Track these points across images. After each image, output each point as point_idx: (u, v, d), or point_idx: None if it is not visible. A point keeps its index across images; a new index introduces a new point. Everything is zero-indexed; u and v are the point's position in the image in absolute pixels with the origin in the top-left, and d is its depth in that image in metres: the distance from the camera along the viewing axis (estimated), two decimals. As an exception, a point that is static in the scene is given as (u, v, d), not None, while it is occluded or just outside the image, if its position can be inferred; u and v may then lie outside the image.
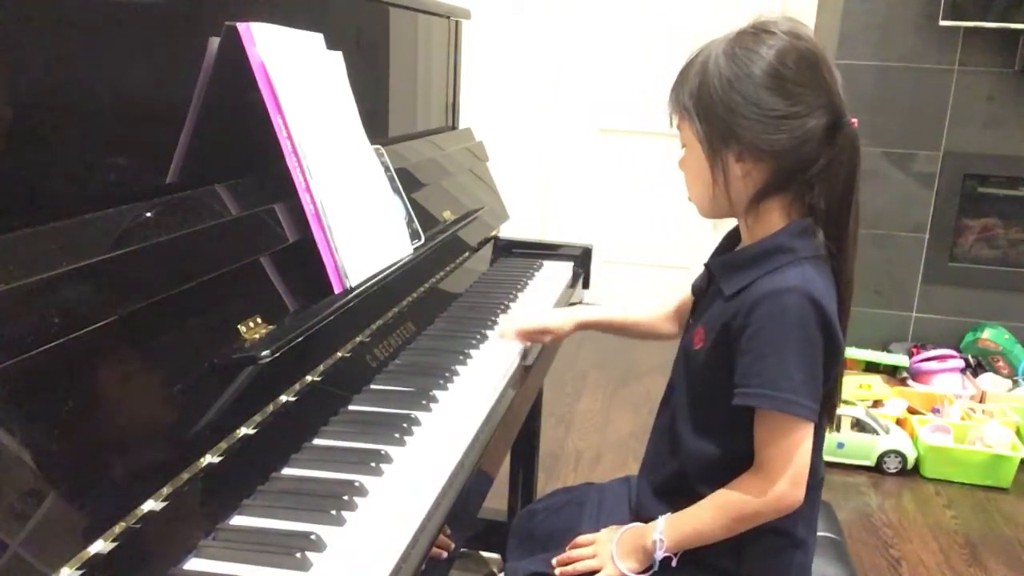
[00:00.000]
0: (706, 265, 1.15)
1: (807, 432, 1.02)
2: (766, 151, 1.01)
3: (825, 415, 1.08)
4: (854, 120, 1.03)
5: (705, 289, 1.16)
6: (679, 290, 1.32)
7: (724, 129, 1.01)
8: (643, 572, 1.10)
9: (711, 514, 1.05)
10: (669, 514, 1.09)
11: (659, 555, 1.07)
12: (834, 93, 1.02)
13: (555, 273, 1.84)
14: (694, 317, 1.16)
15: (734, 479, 1.05)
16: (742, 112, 1.00)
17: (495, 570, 1.98)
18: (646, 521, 1.13)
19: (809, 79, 1.00)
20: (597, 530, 1.17)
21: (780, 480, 1.01)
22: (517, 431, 1.47)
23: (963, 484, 2.56)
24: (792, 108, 0.99)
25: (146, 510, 0.76)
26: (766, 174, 1.03)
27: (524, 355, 1.36)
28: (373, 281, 1.21)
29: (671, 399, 1.17)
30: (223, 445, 0.88)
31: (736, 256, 1.10)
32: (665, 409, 1.19)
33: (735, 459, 1.06)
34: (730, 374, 1.03)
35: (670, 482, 1.14)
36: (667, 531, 1.07)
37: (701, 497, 1.07)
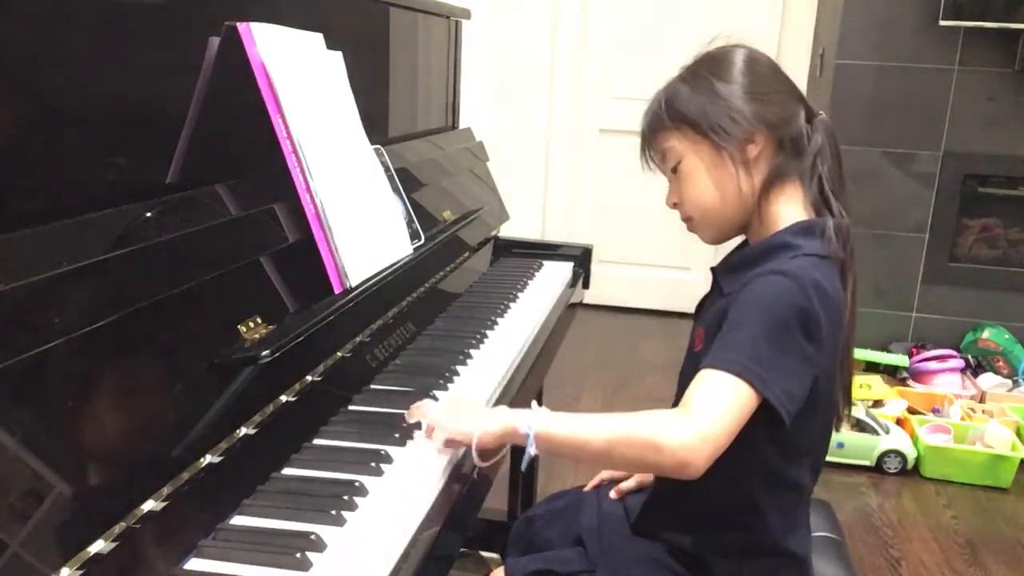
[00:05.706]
0: (712, 269, 1.13)
1: (747, 402, 0.91)
2: (770, 121, 1.03)
3: (835, 417, 1.07)
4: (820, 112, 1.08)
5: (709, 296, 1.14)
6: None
7: (721, 112, 1.03)
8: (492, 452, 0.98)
9: (605, 420, 0.95)
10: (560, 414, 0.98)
11: (531, 450, 0.95)
12: (799, 92, 1.09)
13: (555, 273, 1.84)
14: (696, 321, 1.14)
15: (728, 495, 1.03)
16: (731, 93, 1.04)
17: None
18: (646, 535, 1.12)
19: (778, 79, 1.07)
20: (598, 535, 1.16)
21: (691, 424, 0.90)
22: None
23: (963, 484, 2.55)
24: (775, 88, 1.06)
25: (146, 510, 0.77)
26: (773, 150, 1.04)
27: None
28: (373, 281, 1.21)
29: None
30: (223, 445, 0.88)
31: (738, 255, 1.10)
32: None
33: (732, 476, 1.00)
34: None
35: (666, 495, 1.13)
36: (545, 420, 0.96)
37: (693, 510, 1.06)
